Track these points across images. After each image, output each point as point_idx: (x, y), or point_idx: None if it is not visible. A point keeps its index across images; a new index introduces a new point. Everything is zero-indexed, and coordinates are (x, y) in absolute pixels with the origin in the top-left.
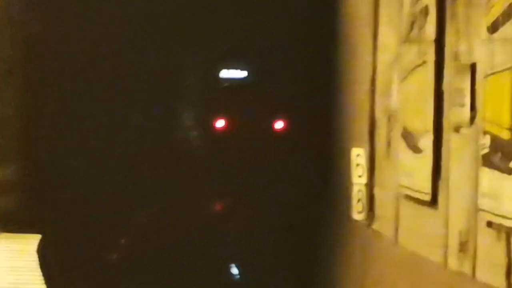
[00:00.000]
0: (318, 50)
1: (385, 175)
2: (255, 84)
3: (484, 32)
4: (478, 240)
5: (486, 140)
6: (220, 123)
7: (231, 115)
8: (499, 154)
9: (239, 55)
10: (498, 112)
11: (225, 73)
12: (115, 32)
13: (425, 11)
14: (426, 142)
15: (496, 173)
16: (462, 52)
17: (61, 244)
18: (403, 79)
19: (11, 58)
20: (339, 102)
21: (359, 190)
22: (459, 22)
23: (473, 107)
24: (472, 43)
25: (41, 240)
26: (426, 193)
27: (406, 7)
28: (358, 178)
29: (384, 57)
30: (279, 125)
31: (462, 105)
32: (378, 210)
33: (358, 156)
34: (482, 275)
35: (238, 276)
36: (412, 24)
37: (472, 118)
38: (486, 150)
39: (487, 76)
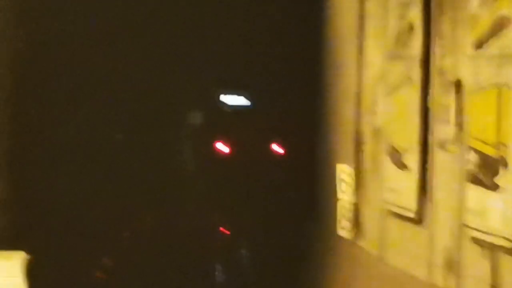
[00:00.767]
0: (305, 71)
1: (370, 192)
2: (249, 109)
3: (469, 49)
4: (463, 257)
5: (472, 157)
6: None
7: (228, 139)
8: (484, 170)
9: (232, 81)
10: (483, 128)
11: (224, 98)
12: (112, 57)
13: (410, 27)
14: (412, 159)
15: (481, 190)
16: (448, 68)
17: (49, 262)
18: (388, 95)
19: None
20: (325, 118)
21: (343, 207)
22: (444, 38)
23: (458, 124)
24: (458, 59)
25: (28, 258)
26: (411, 210)
27: (392, 24)
28: (342, 194)
29: (369, 73)
30: (273, 146)
31: (448, 122)
32: (363, 227)
33: (342, 172)
34: None
35: None
36: (397, 41)
37: (457, 135)
38: (471, 167)
39: (472, 92)
